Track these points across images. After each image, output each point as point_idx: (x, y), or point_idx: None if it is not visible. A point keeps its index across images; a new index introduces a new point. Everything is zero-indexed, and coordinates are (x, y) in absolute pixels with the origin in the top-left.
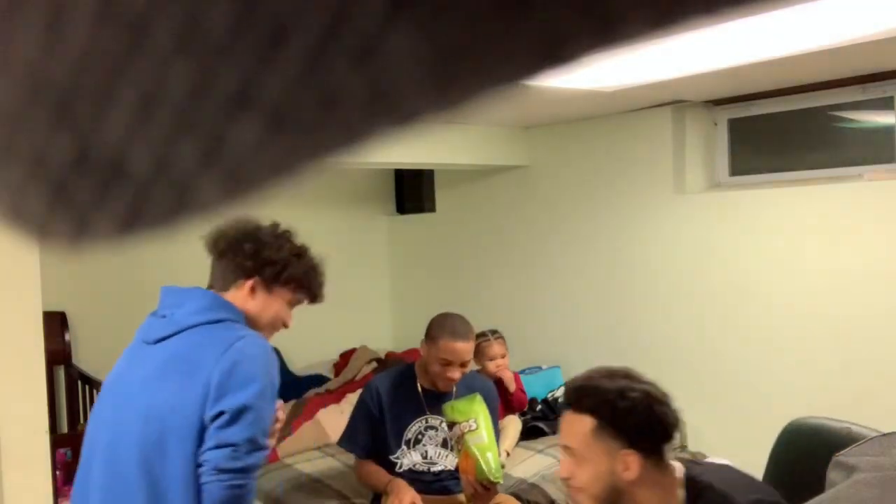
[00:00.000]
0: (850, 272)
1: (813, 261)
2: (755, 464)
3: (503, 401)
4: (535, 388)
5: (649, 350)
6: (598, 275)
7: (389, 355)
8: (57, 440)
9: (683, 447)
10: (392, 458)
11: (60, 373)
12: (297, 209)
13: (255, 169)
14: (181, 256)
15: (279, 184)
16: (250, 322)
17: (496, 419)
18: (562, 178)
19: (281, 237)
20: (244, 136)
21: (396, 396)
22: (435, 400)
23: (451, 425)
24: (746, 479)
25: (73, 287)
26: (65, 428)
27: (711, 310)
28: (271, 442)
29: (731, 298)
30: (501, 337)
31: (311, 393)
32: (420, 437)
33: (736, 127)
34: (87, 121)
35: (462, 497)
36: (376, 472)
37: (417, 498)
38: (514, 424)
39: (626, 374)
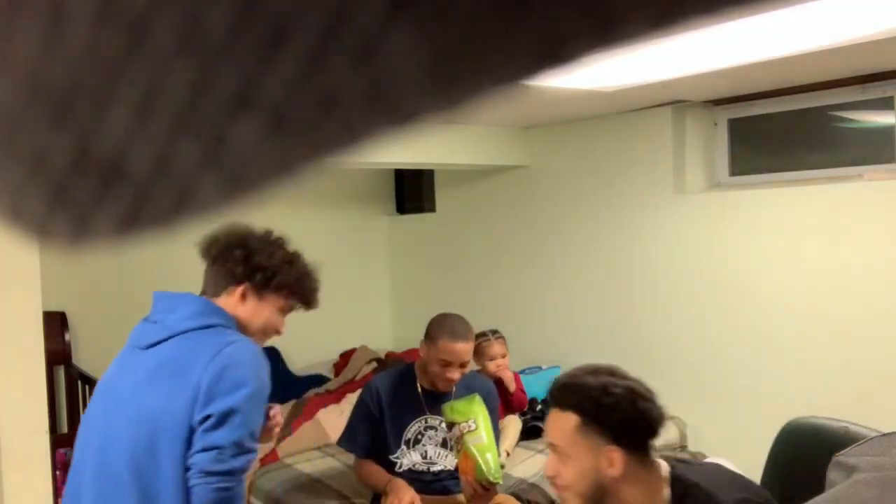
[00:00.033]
0: (850, 272)
1: (813, 261)
2: (755, 464)
3: (503, 401)
4: (535, 388)
5: (649, 350)
6: (598, 275)
7: (389, 355)
8: (57, 440)
9: (683, 447)
10: (392, 457)
11: (60, 373)
12: (297, 209)
13: (255, 169)
14: (181, 257)
15: (279, 184)
16: (242, 328)
17: (496, 419)
18: (562, 178)
19: (272, 243)
20: (244, 136)
21: (396, 396)
22: (434, 400)
23: (451, 426)
24: (734, 478)
25: (73, 287)
26: (65, 428)
27: (711, 310)
28: (270, 444)
29: (731, 298)
30: (502, 337)
31: (311, 393)
32: (420, 437)
33: (736, 127)
34: (87, 121)
35: (461, 497)
36: (376, 472)
37: (416, 498)
38: (514, 424)
39: (611, 371)
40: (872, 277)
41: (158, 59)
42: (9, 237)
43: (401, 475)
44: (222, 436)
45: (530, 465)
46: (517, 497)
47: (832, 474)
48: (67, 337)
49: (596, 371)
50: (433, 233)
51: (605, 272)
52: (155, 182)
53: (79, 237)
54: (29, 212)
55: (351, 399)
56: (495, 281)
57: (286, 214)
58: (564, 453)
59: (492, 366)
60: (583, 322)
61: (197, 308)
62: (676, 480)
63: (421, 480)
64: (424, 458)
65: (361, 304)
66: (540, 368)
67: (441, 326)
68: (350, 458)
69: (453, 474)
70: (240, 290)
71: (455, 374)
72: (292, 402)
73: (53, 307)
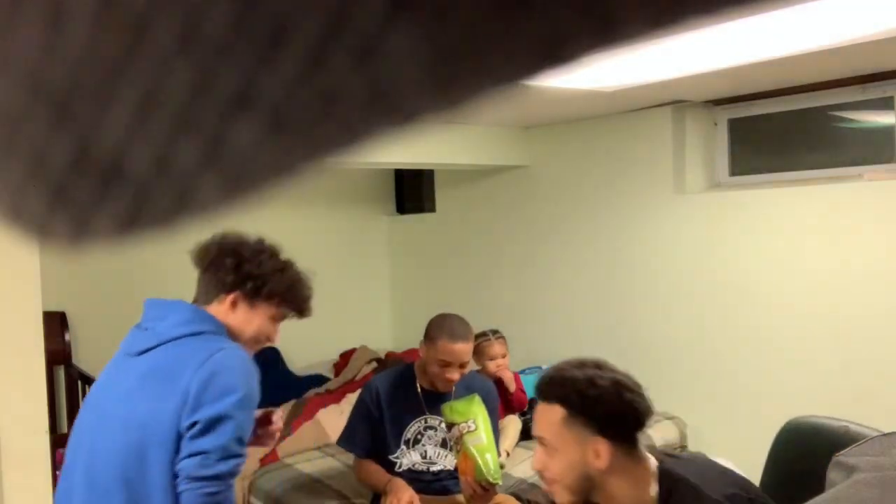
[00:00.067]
0: (850, 272)
1: (813, 261)
2: (755, 463)
3: (503, 401)
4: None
5: (649, 350)
6: (598, 275)
7: (389, 355)
8: (57, 440)
9: (683, 447)
10: (391, 457)
11: (60, 373)
12: (297, 209)
13: (255, 169)
14: (182, 257)
15: (279, 184)
16: (233, 336)
17: (496, 419)
18: (562, 178)
19: (263, 252)
20: (244, 136)
21: (396, 396)
22: (434, 400)
23: (450, 426)
24: (723, 472)
25: (73, 287)
26: (65, 428)
27: (711, 310)
28: (268, 446)
29: (731, 298)
30: (502, 337)
31: (311, 393)
32: (419, 437)
33: (736, 127)
34: (87, 121)
35: (461, 497)
36: (376, 472)
37: (416, 497)
38: (514, 424)
39: (597, 364)
40: (872, 277)
41: (158, 59)
42: (9, 237)
43: (400, 475)
44: (208, 442)
45: (530, 465)
46: (517, 497)
47: (832, 474)
48: (67, 337)
49: (582, 364)
50: (433, 233)
51: (605, 272)
52: (155, 182)
53: (79, 237)
54: (29, 212)
55: (351, 399)
56: (495, 281)
57: (286, 214)
58: (552, 446)
59: (492, 366)
60: (583, 322)
61: (187, 315)
62: (664, 475)
63: (420, 480)
64: (424, 457)
65: (361, 304)
66: (540, 368)
67: (440, 327)
68: (350, 458)
69: (453, 474)
70: (230, 298)
71: (454, 375)
72: (292, 402)
73: (53, 307)
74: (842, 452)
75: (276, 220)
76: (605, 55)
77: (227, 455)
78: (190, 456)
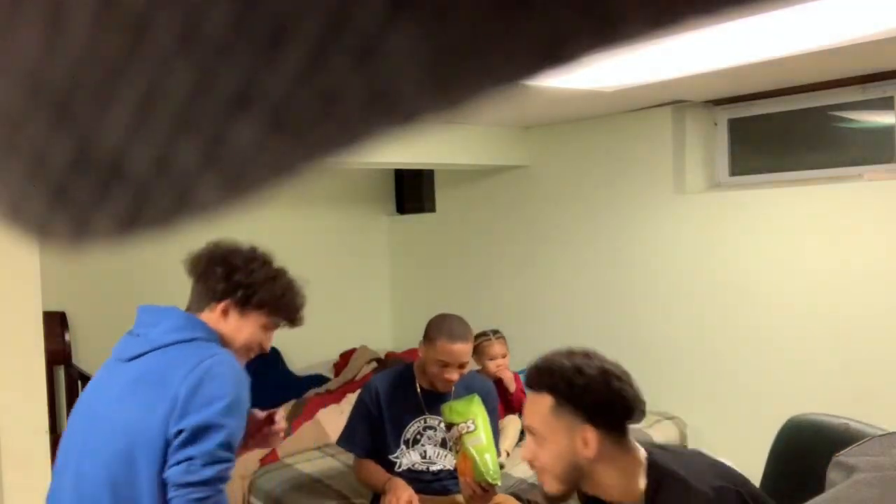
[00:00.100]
0: (850, 272)
1: (813, 261)
2: (755, 463)
3: (503, 401)
4: None
5: (649, 350)
6: (598, 275)
7: (389, 355)
8: (57, 440)
9: (683, 447)
10: (391, 457)
11: (60, 373)
12: (297, 209)
13: (255, 169)
14: (181, 256)
15: (279, 184)
16: (225, 344)
17: (496, 419)
18: (562, 178)
19: (254, 260)
20: (244, 137)
21: (395, 396)
22: (434, 400)
23: (449, 426)
24: (713, 465)
25: (73, 287)
26: (65, 428)
27: (711, 310)
28: (272, 446)
29: (731, 298)
30: (502, 337)
31: (311, 393)
32: (419, 436)
33: (736, 127)
34: (87, 121)
35: (460, 497)
36: (375, 472)
37: (415, 497)
38: (513, 424)
39: (585, 354)
40: (872, 277)
41: (158, 59)
42: (9, 237)
43: (400, 475)
44: (194, 448)
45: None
46: (517, 497)
47: (832, 474)
48: (67, 337)
49: (570, 353)
50: (433, 233)
51: (605, 272)
52: (155, 182)
53: (79, 237)
54: (29, 212)
55: (351, 399)
56: (495, 281)
57: (286, 214)
58: (541, 435)
59: (492, 366)
60: (583, 322)
61: (179, 322)
62: (653, 467)
63: (420, 480)
64: (423, 457)
65: (361, 304)
66: None
67: (439, 327)
68: (350, 458)
69: (452, 474)
70: (221, 306)
71: (453, 375)
72: (292, 402)
73: (53, 307)
74: (842, 452)
75: (276, 220)
76: (605, 55)
77: (214, 460)
78: (177, 464)
